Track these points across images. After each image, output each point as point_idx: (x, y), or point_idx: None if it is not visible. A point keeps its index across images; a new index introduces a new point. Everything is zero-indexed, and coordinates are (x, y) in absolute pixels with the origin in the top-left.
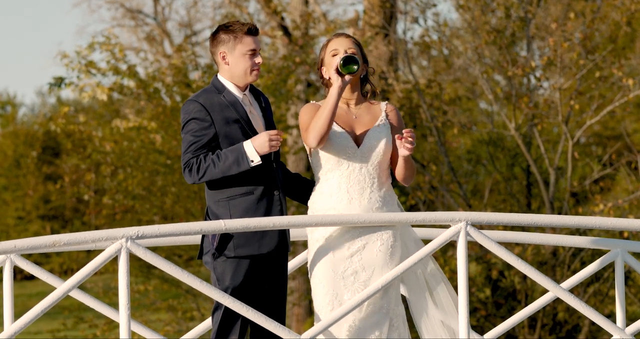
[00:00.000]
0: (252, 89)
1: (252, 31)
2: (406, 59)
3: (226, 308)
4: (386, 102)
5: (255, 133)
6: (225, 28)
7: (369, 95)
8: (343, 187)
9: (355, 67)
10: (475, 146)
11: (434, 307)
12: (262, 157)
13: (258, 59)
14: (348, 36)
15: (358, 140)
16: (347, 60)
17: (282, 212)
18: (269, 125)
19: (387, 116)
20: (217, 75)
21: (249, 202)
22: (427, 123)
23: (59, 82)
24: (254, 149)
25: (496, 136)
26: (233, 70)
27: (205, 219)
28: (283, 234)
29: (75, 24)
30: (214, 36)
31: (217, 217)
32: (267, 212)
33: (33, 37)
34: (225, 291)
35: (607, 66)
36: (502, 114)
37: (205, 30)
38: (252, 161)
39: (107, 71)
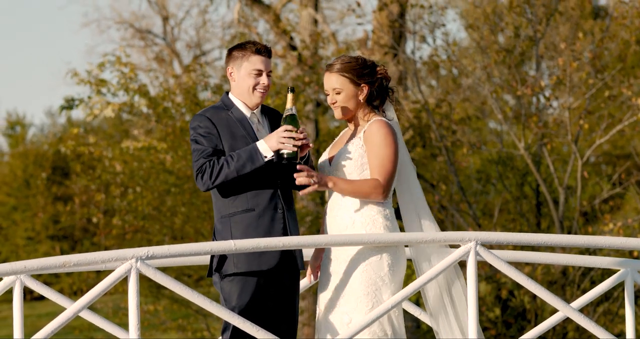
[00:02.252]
0: (266, 110)
1: (261, 51)
2: (415, 79)
3: (235, 328)
4: (373, 120)
5: None
6: (238, 46)
7: (381, 109)
8: (328, 205)
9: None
10: (484, 165)
11: (458, 330)
12: (267, 176)
13: (263, 80)
14: (335, 69)
15: (332, 159)
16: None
17: (285, 231)
18: None
19: (364, 134)
20: (227, 93)
21: (250, 219)
22: (436, 143)
23: (70, 103)
24: (266, 146)
25: (505, 156)
26: (239, 87)
27: (213, 238)
28: (288, 253)
29: (85, 44)
30: (229, 53)
31: (219, 234)
32: (269, 230)
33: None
34: (232, 310)
35: (616, 85)
36: (512, 134)
37: (214, 50)
38: (266, 157)
39: (118, 90)
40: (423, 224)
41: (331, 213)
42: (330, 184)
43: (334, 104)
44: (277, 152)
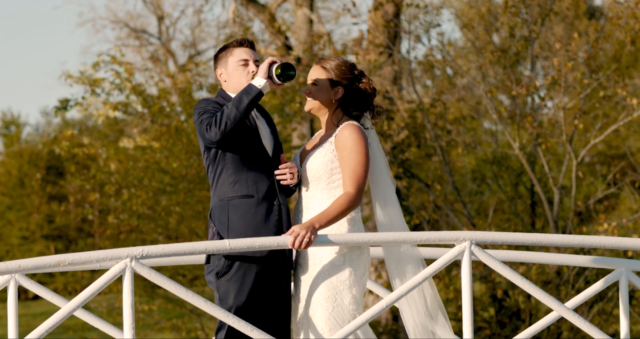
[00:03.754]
0: (260, 108)
1: (243, 43)
2: (410, 79)
3: (230, 328)
4: (344, 124)
5: (261, 143)
6: (221, 48)
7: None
8: (295, 208)
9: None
10: (479, 165)
11: (424, 312)
12: (266, 167)
13: (252, 68)
14: (318, 62)
15: (302, 162)
16: (286, 68)
17: (280, 223)
18: (276, 139)
19: (335, 137)
20: (222, 88)
21: (249, 205)
22: (431, 142)
23: (64, 104)
24: (257, 79)
25: (500, 155)
26: (231, 84)
27: (209, 220)
28: (281, 251)
29: (80, 44)
30: (215, 58)
31: (215, 218)
32: (265, 220)
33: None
34: (229, 310)
35: (611, 85)
36: (507, 134)
37: (209, 50)
38: (260, 85)
39: (113, 90)
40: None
41: (297, 217)
42: (316, 226)
43: (307, 94)
44: (270, 77)
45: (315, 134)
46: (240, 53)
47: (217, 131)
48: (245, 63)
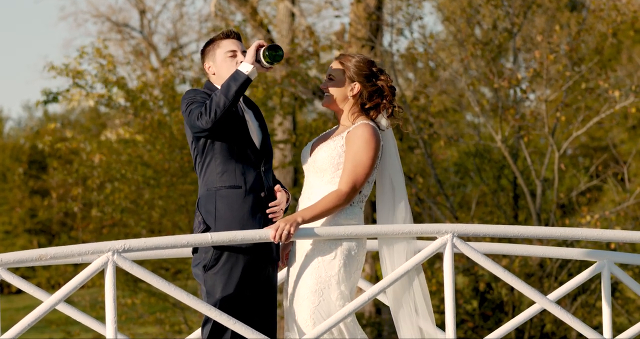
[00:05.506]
0: (246, 99)
1: (229, 35)
2: (392, 72)
3: (216, 321)
4: (359, 123)
5: (248, 134)
6: (208, 42)
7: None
8: (299, 201)
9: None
10: (462, 158)
11: (415, 312)
12: (253, 159)
13: (240, 58)
14: (339, 57)
15: (314, 154)
16: (273, 48)
17: (265, 215)
18: (264, 133)
19: (345, 135)
20: (209, 80)
21: (236, 196)
22: (413, 135)
23: (49, 95)
24: (244, 64)
25: (483, 148)
26: (221, 76)
27: (196, 209)
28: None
29: (62, 38)
30: (202, 52)
31: (202, 207)
32: (253, 210)
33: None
34: (216, 304)
35: (593, 78)
36: (489, 126)
37: (191, 43)
38: (247, 71)
39: (96, 82)
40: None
41: (300, 206)
42: (299, 220)
43: (325, 89)
44: (258, 61)
45: (331, 129)
46: (228, 44)
47: (207, 119)
48: (234, 54)
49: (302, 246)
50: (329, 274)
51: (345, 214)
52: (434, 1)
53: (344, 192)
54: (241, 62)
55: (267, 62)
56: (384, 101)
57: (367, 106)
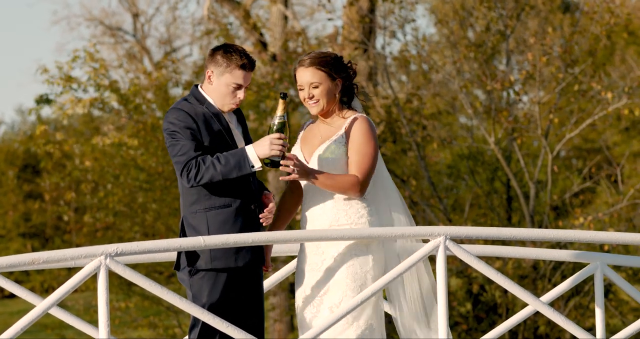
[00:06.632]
0: None
1: (245, 67)
2: (385, 74)
3: (203, 325)
4: (355, 115)
5: (236, 146)
6: (225, 51)
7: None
8: (303, 203)
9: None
10: (455, 160)
11: (427, 328)
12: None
13: (240, 95)
14: (310, 63)
15: (310, 156)
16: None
17: (259, 226)
18: (247, 140)
19: (345, 130)
20: (197, 86)
21: (227, 215)
22: (406, 138)
23: (43, 99)
24: (255, 154)
25: (476, 150)
26: (214, 92)
27: (181, 230)
28: (258, 248)
29: (55, 42)
30: (213, 52)
31: (193, 229)
32: (245, 226)
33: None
34: (202, 307)
35: (586, 80)
36: (482, 129)
37: (184, 46)
38: (253, 166)
39: (88, 87)
40: (395, 219)
41: (312, 212)
42: (310, 177)
43: (311, 98)
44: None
45: (307, 128)
46: (239, 77)
47: (194, 182)
48: (238, 87)
49: (323, 248)
50: (364, 270)
51: (369, 211)
52: (427, 3)
53: (359, 181)
54: (239, 100)
55: (264, 164)
56: (354, 85)
57: (345, 98)
